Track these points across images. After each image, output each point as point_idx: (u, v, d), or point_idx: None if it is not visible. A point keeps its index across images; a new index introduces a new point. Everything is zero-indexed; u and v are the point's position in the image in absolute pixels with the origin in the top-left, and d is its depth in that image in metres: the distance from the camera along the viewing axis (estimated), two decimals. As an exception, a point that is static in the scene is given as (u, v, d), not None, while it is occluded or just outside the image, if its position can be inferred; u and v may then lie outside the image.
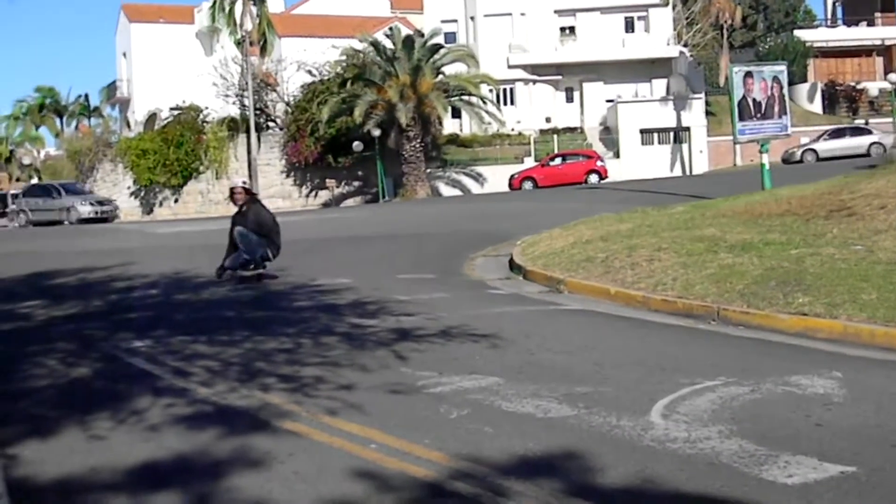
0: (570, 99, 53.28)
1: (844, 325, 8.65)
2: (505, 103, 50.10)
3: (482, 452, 5.36)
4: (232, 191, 14.38)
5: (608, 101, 52.02)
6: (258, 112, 48.54)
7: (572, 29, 53.03)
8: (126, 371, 7.98)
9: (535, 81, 52.21)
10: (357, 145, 44.45)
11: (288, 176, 48.71)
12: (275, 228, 13.85)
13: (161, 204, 48.54)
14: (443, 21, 50.31)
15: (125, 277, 15.00)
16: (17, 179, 67.75)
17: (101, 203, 43.59)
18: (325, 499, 4.72)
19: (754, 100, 22.37)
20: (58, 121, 70.22)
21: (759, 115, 22.47)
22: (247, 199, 14.00)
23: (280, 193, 48.27)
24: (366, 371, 7.56)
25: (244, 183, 14.42)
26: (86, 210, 42.17)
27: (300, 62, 48.49)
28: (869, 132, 46.15)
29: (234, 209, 14.50)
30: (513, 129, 49.37)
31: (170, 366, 8.05)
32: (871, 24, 59.96)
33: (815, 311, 9.07)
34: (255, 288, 13.21)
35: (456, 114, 48.53)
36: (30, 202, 44.56)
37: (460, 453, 5.35)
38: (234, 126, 48.87)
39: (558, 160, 45.87)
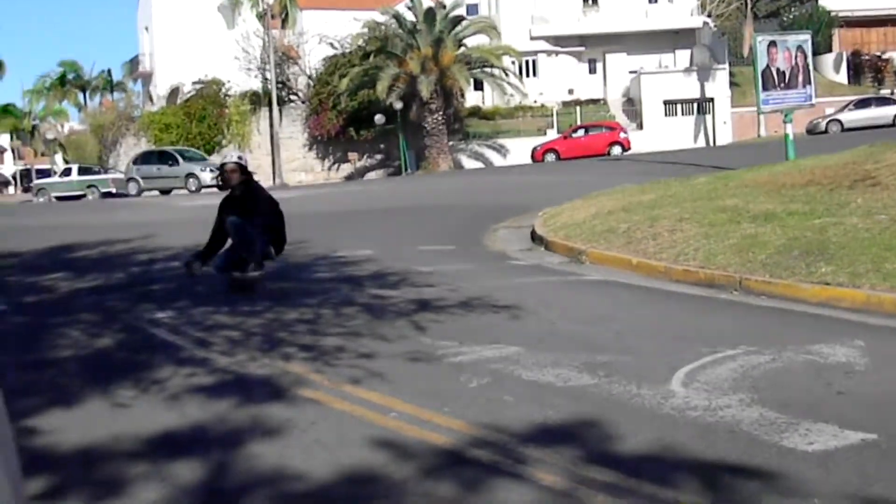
0: (592, 70, 52.98)
1: (867, 294, 8.59)
2: (527, 75, 49.91)
3: (502, 421, 5.36)
4: (223, 167, 10.76)
5: (631, 72, 51.70)
6: (280, 85, 48.56)
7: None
8: (148, 342, 8.04)
9: (557, 53, 51.92)
10: (379, 118, 44.40)
11: (310, 149, 48.77)
12: (276, 220, 10.68)
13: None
14: (464, -8, 50.11)
15: (147, 250, 15.08)
16: (42, 154, 67.99)
17: None
18: (345, 467, 4.73)
19: (778, 69, 22.16)
20: (81, 95, 70.19)
21: (783, 85, 22.26)
22: (242, 180, 10.61)
23: (302, 167, 48.42)
24: (386, 341, 7.58)
25: (240, 158, 10.84)
26: (208, 177, 38.21)
27: (322, 35, 48.36)
28: (894, 102, 45.71)
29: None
30: (535, 101, 49.20)
31: (191, 336, 8.11)
32: (897, -8, 59.17)
33: (837, 280, 9.00)
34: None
35: (478, 86, 48.44)
36: (144, 170, 41.44)
37: (480, 422, 5.36)
38: (256, 100, 48.94)
39: (581, 132, 45.70)
